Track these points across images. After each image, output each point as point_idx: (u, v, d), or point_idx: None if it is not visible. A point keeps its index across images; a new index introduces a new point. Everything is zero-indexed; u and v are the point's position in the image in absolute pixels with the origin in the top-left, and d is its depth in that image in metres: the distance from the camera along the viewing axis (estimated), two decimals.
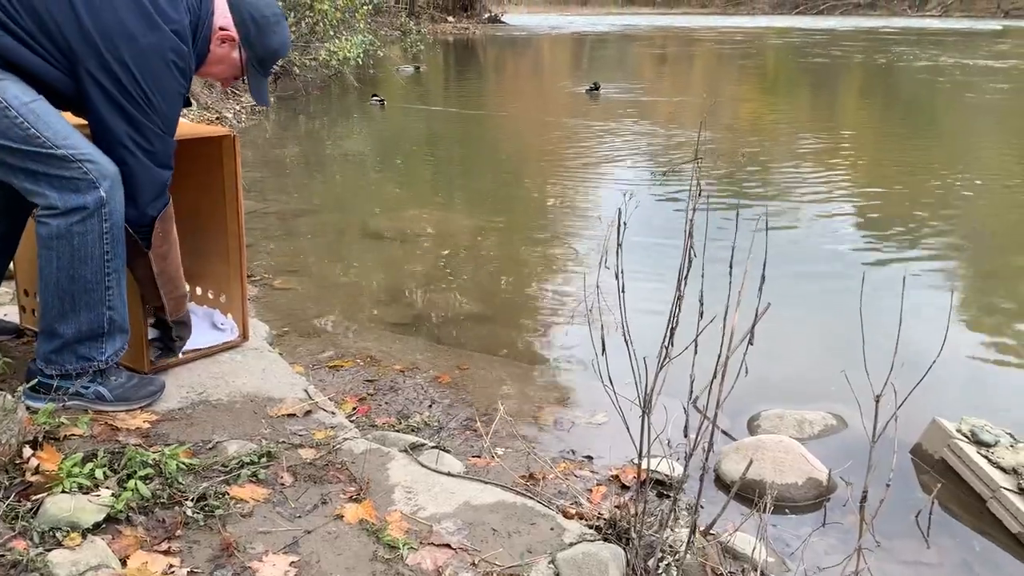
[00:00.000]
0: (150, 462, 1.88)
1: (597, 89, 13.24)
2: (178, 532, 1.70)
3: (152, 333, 2.43)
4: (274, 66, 2.43)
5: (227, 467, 1.95)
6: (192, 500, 1.79)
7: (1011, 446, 2.53)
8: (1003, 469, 2.44)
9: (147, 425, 2.14)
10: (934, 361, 1.64)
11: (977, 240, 5.36)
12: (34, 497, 1.71)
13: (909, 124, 10.95)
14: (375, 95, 12.09)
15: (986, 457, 2.49)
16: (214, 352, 2.60)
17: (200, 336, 2.59)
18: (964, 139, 9.72)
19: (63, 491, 1.72)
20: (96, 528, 1.66)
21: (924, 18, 47.90)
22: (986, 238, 5.46)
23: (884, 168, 7.77)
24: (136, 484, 1.78)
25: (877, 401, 1.62)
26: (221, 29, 2.23)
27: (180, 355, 2.49)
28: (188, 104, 2.27)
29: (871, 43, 26.53)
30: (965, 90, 14.56)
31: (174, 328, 2.40)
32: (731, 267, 1.68)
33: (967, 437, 2.58)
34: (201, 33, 2.20)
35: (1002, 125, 10.79)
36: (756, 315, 1.65)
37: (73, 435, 2.03)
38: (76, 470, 1.79)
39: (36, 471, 1.79)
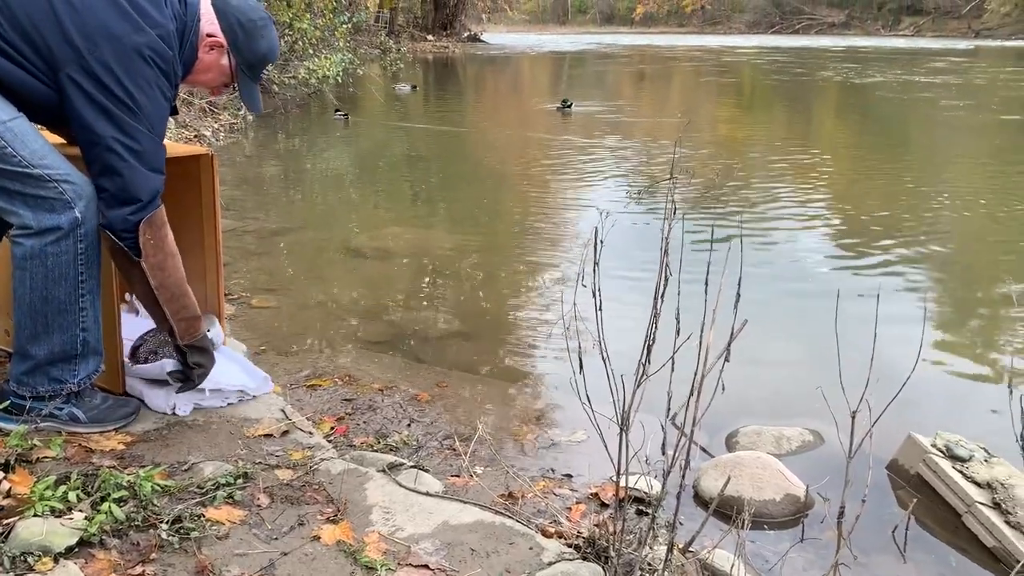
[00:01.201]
0: (124, 484, 1.86)
1: (568, 106, 13.19)
2: (153, 555, 1.68)
3: (171, 365, 2.30)
4: (264, 72, 2.38)
5: (203, 489, 1.93)
6: (167, 522, 1.77)
7: (985, 461, 2.55)
8: (978, 484, 2.46)
9: (122, 447, 2.12)
10: (908, 377, 1.66)
11: (949, 256, 5.43)
12: (5, 521, 1.69)
13: (882, 141, 11.10)
14: (338, 110, 12.11)
15: (961, 472, 2.51)
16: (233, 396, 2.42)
17: (225, 375, 2.41)
18: (935, 156, 9.87)
19: (35, 515, 1.70)
20: (69, 552, 1.63)
21: (897, 38, 48.69)
22: (958, 254, 5.53)
23: (857, 185, 7.86)
24: (110, 507, 1.76)
25: (853, 417, 1.63)
26: (208, 35, 2.20)
27: (205, 390, 2.32)
28: (175, 112, 2.25)
29: (845, 62, 26.90)
30: (934, 108, 14.78)
31: (188, 354, 2.23)
32: (706, 284, 1.69)
33: (942, 452, 2.60)
34: (188, 39, 2.16)
35: (970, 142, 10.97)
36: (732, 332, 1.67)
37: (46, 457, 2.00)
38: (49, 493, 1.77)
39: (7, 495, 1.77)
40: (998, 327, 4.21)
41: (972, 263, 5.38)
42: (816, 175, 8.14)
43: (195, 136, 9.06)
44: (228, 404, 2.39)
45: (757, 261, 4.97)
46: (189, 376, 2.27)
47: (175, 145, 3.09)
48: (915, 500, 2.52)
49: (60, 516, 1.72)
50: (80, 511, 1.75)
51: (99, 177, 2.02)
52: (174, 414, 2.29)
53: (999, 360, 3.78)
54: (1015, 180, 8.13)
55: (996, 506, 2.37)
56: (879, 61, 27.34)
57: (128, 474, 1.91)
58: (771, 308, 4.17)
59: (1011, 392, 1.63)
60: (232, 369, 2.46)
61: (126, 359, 2.37)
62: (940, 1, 53.68)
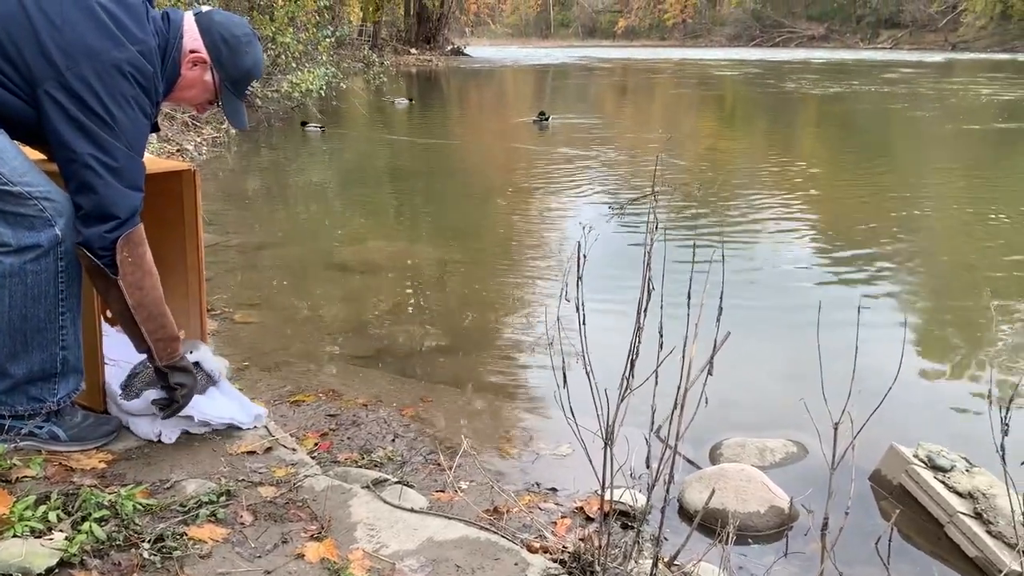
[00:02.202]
0: (106, 503, 1.84)
1: (545, 119, 13.11)
2: (134, 575, 1.66)
3: (155, 394, 2.25)
4: (249, 87, 2.33)
5: (185, 507, 1.91)
6: (149, 542, 1.75)
7: (966, 471, 2.57)
8: (959, 494, 2.48)
9: (103, 465, 2.10)
10: (890, 388, 1.67)
11: (930, 266, 5.49)
12: None
13: (861, 153, 11.20)
14: (304, 123, 12.07)
15: (943, 482, 2.53)
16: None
17: (216, 409, 2.34)
18: (913, 167, 9.97)
19: (14, 535, 1.68)
20: (49, 573, 1.61)
21: (876, 50, 49.24)
22: (938, 264, 5.59)
23: (837, 196, 7.93)
24: (91, 526, 1.74)
25: (836, 428, 1.64)
26: (192, 52, 2.17)
27: (193, 415, 2.26)
28: (156, 130, 2.23)
29: (824, 74, 27.17)
30: (909, 118, 14.96)
31: (169, 375, 2.18)
32: (689, 298, 1.70)
33: (924, 463, 2.62)
34: (170, 56, 2.14)
35: (946, 152, 11.09)
36: (715, 345, 1.67)
37: (25, 477, 1.98)
38: (28, 513, 1.75)
39: None
40: (978, 337, 4.25)
41: (952, 273, 5.43)
42: (796, 187, 8.20)
43: (177, 150, 9.02)
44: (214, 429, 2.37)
45: (739, 274, 5.00)
46: (173, 398, 2.20)
47: (157, 160, 3.08)
48: (898, 511, 2.53)
49: (40, 536, 1.70)
50: (60, 531, 1.72)
51: (76, 194, 1.99)
52: (159, 441, 2.26)
53: (979, 370, 3.81)
54: (992, 190, 8.22)
55: (978, 516, 2.39)
56: (857, 73, 27.63)
57: (109, 493, 1.89)
58: (753, 320, 4.19)
59: (991, 402, 1.64)
60: (226, 404, 2.40)
61: (118, 389, 2.33)
62: (917, 14, 54.38)
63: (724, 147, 11.90)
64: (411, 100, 17.29)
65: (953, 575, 2.31)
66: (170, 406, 2.21)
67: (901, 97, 19.15)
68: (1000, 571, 2.19)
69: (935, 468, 2.59)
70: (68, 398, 2.13)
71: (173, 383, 2.19)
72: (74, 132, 1.95)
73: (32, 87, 1.95)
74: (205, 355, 2.43)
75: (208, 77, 2.22)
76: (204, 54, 2.19)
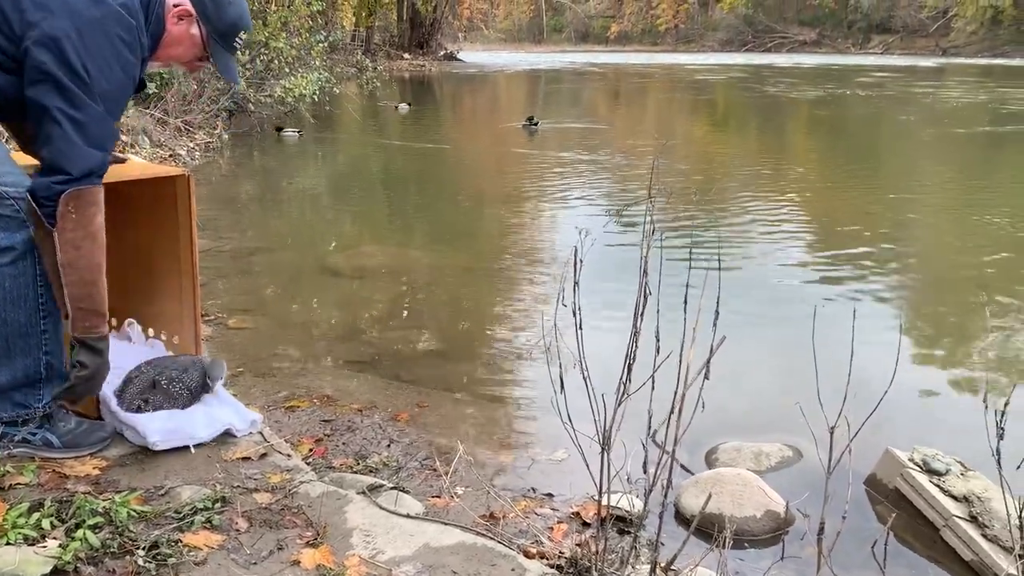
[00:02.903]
0: (100, 510, 1.83)
1: (535, 124, 13.19)
2: None
3: (169, 409, 2.24)
4: (238, 40, 2.26)
5: (180, 513, 1.90)
6: (144, 549, 1.74)
7: (961, 474, 2.58)
8: (955, 497, 2.48)
9: (97, 472, 2.09)
10: (886, 392, 1.67)
11: (922, 270, 5.51)
12: None
13: (854, 156, 11.24)
14: (279, 127, 12.02)
15: (938, 486, 2.53)
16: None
17: (209, 419, 2.32)
18: (901, 169, 10.01)
19: (8, 543, 1.67)
20: None
21: (867, 55, 49.46)
22: (932, 267, 5.61)
23: (832, 200, 7.95)
24: (85, 533, 1.73)
25: (831, 432, 1.64)
26: (176, 6, 2.14)
27: (190, 444, 2.20)
28: (143, 87, 2.17)
29: (817, 79, 27.27)
30: (898, 122, 15.03)
31: (77, 349, 2.04)
32: (685, 303, 1.70)
33: (919, 466, 2.63)
34: (154, 11, 2.10)
35: (935, 155, 11.14)
36: (711, 349, 1.67)
37: (19, 484, 1.97)
38: (22, 521, 1.74)
39: None
40: (972, 340, 4.27)
41: (945, 276, 5.45)
42: (790, 190, 8.23)
43: (170, 155, 9.00)
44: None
45: (735, 278, 5.00)
46: (70, 378, 2.08)
47: (151, 166, 3.07)
48: (894, 515, 2.53)
49: (34, 544, 1.69)
50: (54, 538, 1.71)
51: (39, 147, 1.95)
52: (146, 449, 2.24)
53: (974, 373, 3.83)
54: (979, 192, 8.26)
55: (973, 519, 2.40)
56: (849, 77, 27.75)
57: (103, 500, 1.88)
58: (749, 324, 4.19)
59: (986, 405, 1.65)
60: (222, 410, 2.38)
61: (112, 396, 2.32)
62: (908, 20, 54.65)
63: (716, 151, 11.93)
64: (410, 104, 17.35)
65: None
66: (67, 391, 2.10)
67: (887, 100, 19.23)
68: (996, 575, 2.19)
69: (930, 472, 2.59)
70: (52, 404, 2.11)
71: (75, 360, 2.07)
72: (47, 88, 1.90)
73: (17, 55, 1.91)
74: (219, 368, 2.44)
75: (195, 31, 2.19)
76: (188, 6, 2.16)
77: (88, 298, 2.02)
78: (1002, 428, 1.61)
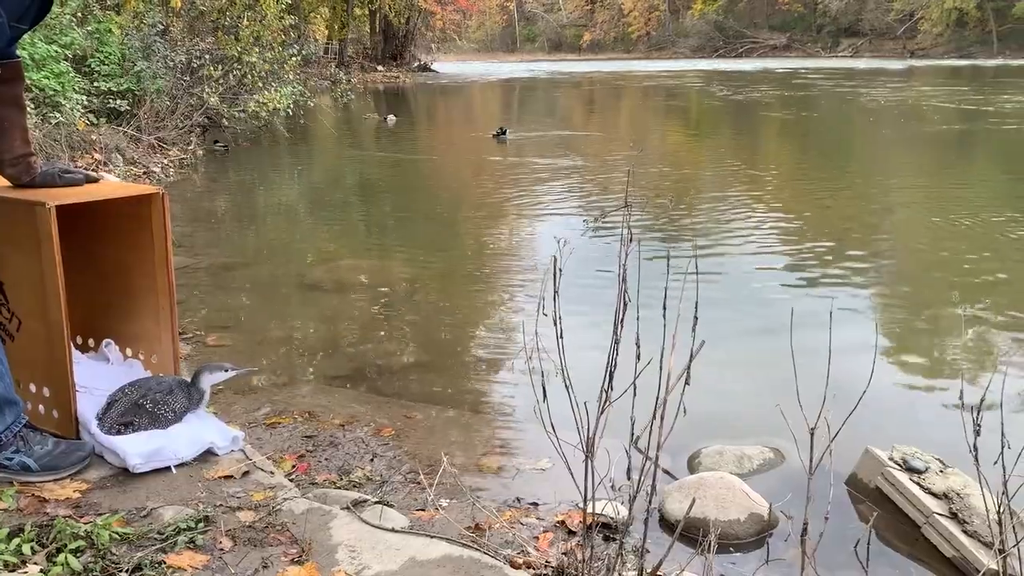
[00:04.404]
0: (81, 534, 1.81)
1: (504, 134, 13.31)
2: None
3: (148, 431, 2.22)
4: None
5: (163, 534, 1.89)
6: (127, 571, 1.73)
7: (940, 471, 2.61)
8: (935, 495, 2.51)
9: (77, 495, 2.06)
10: (864, 392, 1.69)
11: (896, 271, 5.58)
12: None
13: (825, 159, 11.37)
14: (216, 141, 11.96)
15: (918, 484, 2.56)
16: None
17: (190, 439, 2.29)
18: (876, 174, 10.13)
19: None
20: None
21: (836, 59, 50.04)
22: (906, 268, 5.68)
23: (805, 203, 8.03)
24: (66, 558, 1.71)
25: (812, 434, 1.66)
26: None
27: (171, 465, 2.17)
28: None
29: (787, 83, 27.55)
30: (873, 124, 15.22)
31: None
32: (664, 309, 1.71)
33: (899, 465, 2.65)
34: None
35: (906, 155, 11.29)
36: (691, 354, 1.69)
37: None
38: (2, 547, 1.72)
39: None
40: (947, 339, 4.32)
41: (918, 276, 5.52)
42: (764, 194, 8.30)
43: (144, 173, 8.93)
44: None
45: (712, 283, 5.03)
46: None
47: (124, 185, 3.05)
48: (875, 514, 2.55)
49: (14, 570, 1.67)
50: (35, 563, 1.69)
51: None
52: (127, 471, 2.22)
53: (949, 371, 3.88)
54: (952, 192, 8.37)
55: (953, 516, 2.42)
56: (816, 81, 28.06)
57: (84, 523, 1.86)
58: (727, 329, 4.22)
59: (962, 402, 1.67)
60: (203, 429, 2.36)
61: (92, 418, 2.29)
62: (875, 23, 55.34)
63: (693, 157, 12.01)
64: (395, 116, 17.45)
65: None
66: None
67: (848, 102, 19.48)
68: (977, 570, 2.22)
69: (910, 470, 2.62)
70: (9, 432, 2.08)
71: None
72: None
73: None
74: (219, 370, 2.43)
75: None
76: None
77: None
78: (978, 424, 1.64)
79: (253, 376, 3.67)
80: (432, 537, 2.02)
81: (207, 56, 11.56)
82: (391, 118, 17.10)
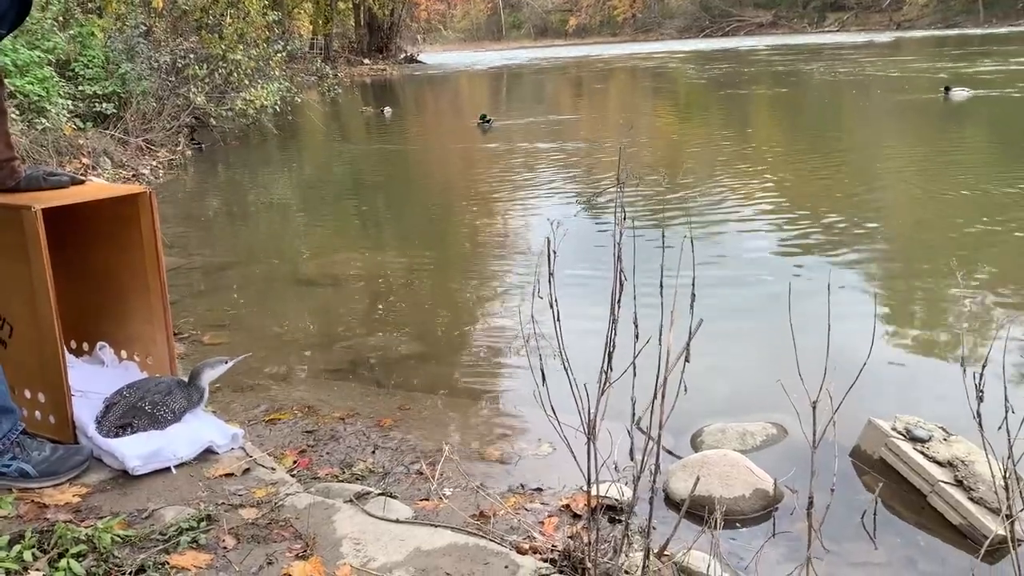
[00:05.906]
0: (83, 538, 1.79)
1: (488, 122, 13.28)
2: None
3: (146, 433, 2.21)
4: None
5: (165, 535, 1.87)
6: (130, 573, 1.71)
7: (944, 440, 2.60)
8: (939, 463, 2.50)
9: (77, 499, 2.05)
10: (864, 364, 1.68)
11: (892, 241, 5.56)
12: None
13: (817, 135, 11.34)
14: (192, 139, 11.88)
15: (922, 453, 2.55)
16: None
17: (189, 437, 2.29)
18: (867, 143, 10.11)
19: None
20: None
21: (823, 34, 49.94)
22: (901, 238, 5.66)
23: (798, 178, 8.01)
24: (68, 563, 1.69)
25: (814, 407, 1.65)
26: None
27: (171, 466, 2.17)
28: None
29: (774, 59, 27.49)
30: (860, 97, 15.19)
31: None
32: (661, 287, 1.70)
33: (902, 435, 2.65)
34: None
35: (895, 126, 11.27)
36: (690, 332, 1.67)
37: None
38: (3, 554, 1.71)
39: None
40: (945, 308, 4.32)
41: (915, 246, 5.50)
42: (757, 170, 8.27)
43: (133, 175, 8.88)
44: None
45: (708, 260, 5.02)
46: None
47: (110, 186, 3.02)
48: (881, 484, 2.55)
49: None
50: (37, 570, 1.68)
51: None
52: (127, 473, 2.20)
53: (949, 340, 3.87)
54: (941, 162, 8.36)
55: (959, 483, 2.42)
56: (805, 57, 28.00)
57: (86, 527, 1.85)
58: (726, 305, 4.21)
59: (964, 370, 1.66)
60: (202, 428, 2.35)
61: (89, 422, 2.27)
62: None
63: (684, 136, 11.97)
64: (392, 109, 17.44)
65: (938, 544, 2.33)
66: None
67: (839, 75, 19.44)
68: (985, 537, 2.21)
69: (914, 439, 2.61)
70: (7, 439, 2.07)
71: None
72: None
73: None
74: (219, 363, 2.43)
75: None
76: None
77: None
78: (981, 391, 1.62)
79: (253, 376, 3.65)
80: (437, 526, 2.01)
81: (192, 55, 11.47)
82: (387, 110, 17.11)
